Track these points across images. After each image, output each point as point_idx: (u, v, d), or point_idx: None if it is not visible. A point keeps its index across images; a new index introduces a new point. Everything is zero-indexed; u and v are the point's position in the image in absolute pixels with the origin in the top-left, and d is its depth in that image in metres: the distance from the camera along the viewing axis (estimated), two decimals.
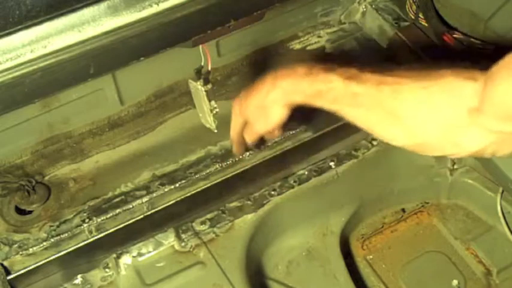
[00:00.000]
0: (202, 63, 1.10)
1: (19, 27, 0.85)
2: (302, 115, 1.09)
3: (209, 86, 1.12)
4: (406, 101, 0.96)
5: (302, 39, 1.53)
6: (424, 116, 0.95)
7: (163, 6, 0.94)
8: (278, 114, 1.06)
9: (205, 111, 1.15)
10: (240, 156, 1.24)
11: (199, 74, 1.11)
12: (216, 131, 1.17)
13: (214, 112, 1.14)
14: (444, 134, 0.95)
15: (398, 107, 0.96)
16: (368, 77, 0.98)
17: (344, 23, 1.55)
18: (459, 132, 0.94)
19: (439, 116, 0.94)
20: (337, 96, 1.00)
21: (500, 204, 1.31)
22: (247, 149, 1.18)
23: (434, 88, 0.94)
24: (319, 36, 1.53)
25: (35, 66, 0.88)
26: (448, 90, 0.94)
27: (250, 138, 1.12)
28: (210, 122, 1.16)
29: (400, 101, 0.96)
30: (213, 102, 1.13)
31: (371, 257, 1.37)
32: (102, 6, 0.90)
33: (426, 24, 1.41)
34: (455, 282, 1.32)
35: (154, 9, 0.93)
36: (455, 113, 0.93)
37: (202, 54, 1.09)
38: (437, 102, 0.94)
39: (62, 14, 0.88)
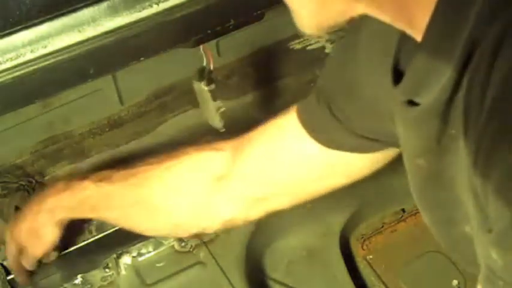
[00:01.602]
0: (204, 63, 1.10)
1: (19, 27, 0.85)
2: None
3: (213, 85, 1.12)
4: (154, 186, 0.95)
5: (302, 39, 1.53)
6: (173, 195, 0.94)
7: (163, 6, 0.94)
8: (50, 234, 1.04)
9: (211, 111, 1.15)
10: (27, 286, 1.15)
11: (202, 74, 1.11)
12: (223, 130, 1.17)
13: (220, 111, 1.14)
14: (195, 208, 0.95)
15: (149, 196, 0.95)
16: (119, 175, 0.97)
17: None
18: (208, 203, 0.94)
19: (186, 191, 0.94)
20: (95, 203, 0.98)
21: None
22: (31, 275, 1.14)
23: (178, 166, 0.94)
24: (319, 36, 1.53)
25: (35, 66, 0.88)
26: (191, 165, 0.95)
27: (27, 263, 1.09)
28: (216, 122, 1.16)
29: (149, 189, 0.95)
30: (218, 102, 1.13)
31: (371, 257, 1.37)
32: (102, 6, 0.90)
33: None
34: (455, 282, 1.32)
35: (155, 9, 0.93)
36: (200, 185, 0.93)
37: (203, 54, 1.09)
38: (181, 179, 0.94)
39: (62, 14, 0.88)
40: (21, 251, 1.08)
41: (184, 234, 1.02)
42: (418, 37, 0.60)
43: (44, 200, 1.04)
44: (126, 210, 0.99)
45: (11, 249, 1.08)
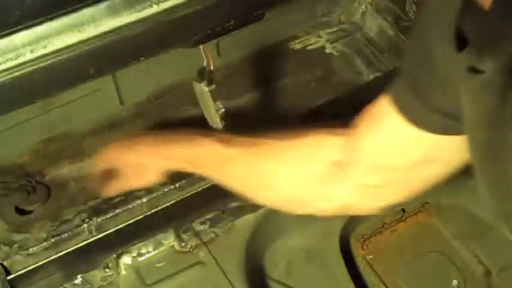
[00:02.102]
0: (205, 64, 1.10)
1: (19, 27, 0.85)
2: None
3: (213, 86, 1.12)
4: (272, 159, 0.98)
5: (302, 39, 1.53)
6: (290, 171, 0.97)
7: (163, 6, 0.94)
8: (152, 179, 1.08)
9: (211, 112, 1.15)
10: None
11: (203, 74, 1.11)
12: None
13: (220, 112, 1.14)
14: (310, 188, 0.97)
15: (266, 167, 0.98)
16: (240, 141, 1.01)
17: (344, 23, 1.55)
18: (324, 185, 0.96)
19: (304, 170, 0.97)
20: (210, 161, 1.01)
21: None
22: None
23: (299, 144, 0.97)
24: (319, 36, 1.53)
25: (35, 66, 0.88)
26: (311, 145, 0.97)
27: (112, 188, 1.12)
28: (216, 122, 1.16)
29: (268, 161, 0.98)
30: (218, 102, 1.13)
31: (371, 257, 1.37)
32: (102, 6, 0.90)
33: None
34: (455, 282, 1.32)
35: (155, 9, 0.93)
36: (318, 166, 0.95)
37: (203, 55, 1.09)
38: (301, 157, 0.97)
39: (62, 14, 0.88)
40: (109, 172, 1.10)
41: (296, 211, 1.02)
42: (486, 2, 0.60)
43: (160, 145, 1.06)
44: (241, 176, 1.01)
45: (99, 165, 1.11)
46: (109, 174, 1.11)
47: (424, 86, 0.84)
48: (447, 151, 0.88)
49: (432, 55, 0.79)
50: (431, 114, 0.84)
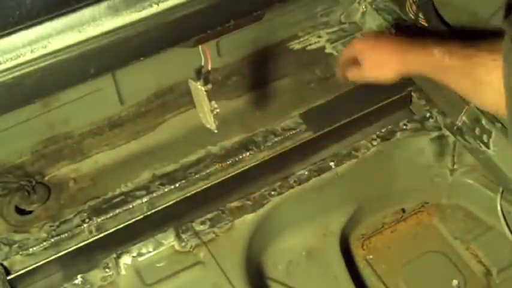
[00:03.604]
0: (203, 63, 1.10)
1: (19, 27, 0.85)
2: None
3: (209, 86, 1.11)
4: (482, 71, 1.09)
5: (302, 39, 1.53)
6: (497, 80, 1.07)
7: (163, 6, 0.94)
8: (389, 77, 1.23)
9: (206, 112, 1.15)
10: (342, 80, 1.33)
11: (200, 73, 1.11)
12: (216, 131, 1.17)
13: (214, 112, 1.14)
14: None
15: (478, 76, 1.10)
16: (461, 53, 1.12)
17: (344, 23, 1.55)
18: None
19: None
20: (437, 68, 1.15)
21: (500, 204, 1.30)
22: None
23: (500, 61, 1.05)
24: (319, 36, 1.53)
25: (35, 66, 0.88)
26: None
27: (354, 76, 1.27)
28: (210, 122, 1.16)
29: (479, 72, 1.09)
30: (213, 103, 1.13)
31: (371, 257, 1.37)
32: (102, 6, 0.90)
33: (426, 24, 1.41)
34: (455, 282, 1.32)
35: (154, 9, 0.93)
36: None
37: (202, 54, 1.08)
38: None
39: (62, 14, 0.88)
40: (354, 61, 1.25)
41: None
42: None
43: (399, 49, 1.20)
44: (460, 82, 1.13)
45: (348, 54, 1.27)
46: (353, 62, 1.26)
47: None
48: None
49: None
50: None
